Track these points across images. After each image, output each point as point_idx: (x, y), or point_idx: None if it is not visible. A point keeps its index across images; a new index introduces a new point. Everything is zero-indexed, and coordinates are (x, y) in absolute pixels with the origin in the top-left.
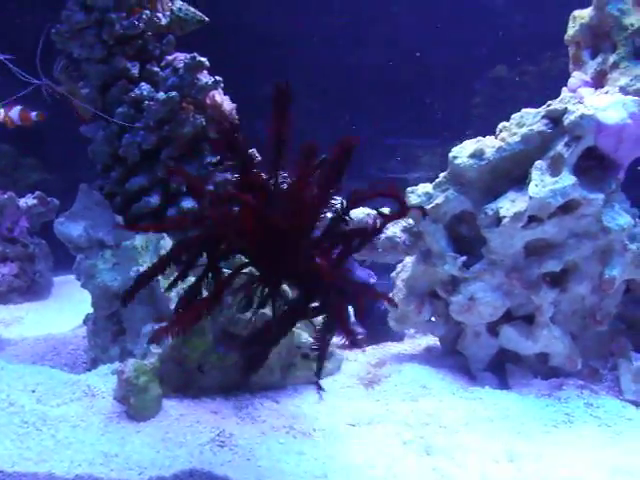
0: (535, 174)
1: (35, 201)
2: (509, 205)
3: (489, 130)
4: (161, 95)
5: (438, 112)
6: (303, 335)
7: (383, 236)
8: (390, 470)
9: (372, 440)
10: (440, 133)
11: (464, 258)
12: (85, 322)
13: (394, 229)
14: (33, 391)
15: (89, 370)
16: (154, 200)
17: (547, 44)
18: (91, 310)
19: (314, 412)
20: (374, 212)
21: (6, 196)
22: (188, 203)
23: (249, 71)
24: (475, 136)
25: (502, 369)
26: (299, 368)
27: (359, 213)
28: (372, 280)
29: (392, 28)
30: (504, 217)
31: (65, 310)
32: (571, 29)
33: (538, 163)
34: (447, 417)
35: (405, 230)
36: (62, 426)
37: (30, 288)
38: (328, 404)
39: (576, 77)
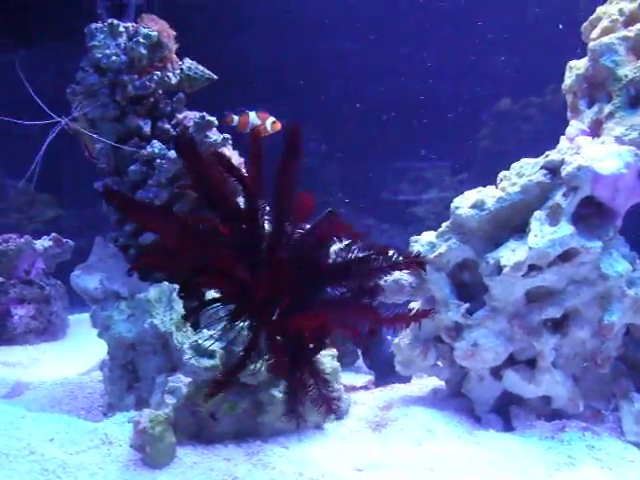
0: (534, 224)
1: (51, 242)
2: (510, 254)
3: (493, 162)
4: (172, 154)
5: (447, 138)
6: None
7: (390, 279)
8: None
9: None
10: (448, 157)
11: (467, 305)
12: (101, 368)
13: (400, 272)
14: (52, 439)
15: (105, 414)
16: None
17: (550, 77)
18: (106, 354)
19: (323, 457)
20: None
21: (23, 240)
22: None
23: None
24: (479, 170)
25: (507, 410)
26: (308, 413)
27: None
28: None
29: (402, 60)
30: (505, 266)
31: (81, 350)
32: (568, 79)
33: (537, 213)
34: (451, 462)
35: (411, 273)
36: (81, 474)
37: (46, 329)
38: (336, 448)
39: (574, 126)
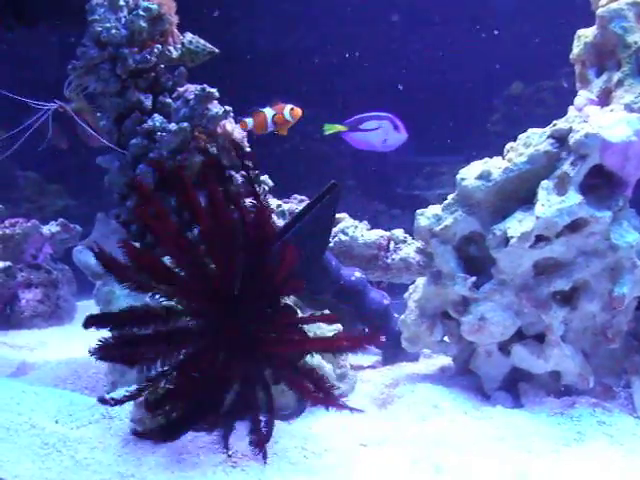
0: (542, 194)
1: (58, 228)
2: (517, 225)
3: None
4: (173, 126)
5: (460, 129)
6: (326, 367)
7: (397, 257)
8: None
9: (382, 460)
10: (463, 150)
11: (474, 279)
12: None
13: (408, 250)
14: (54, 414)
15: (108, 393)
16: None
17: (563, 60)
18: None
19: (326, 433)
20: (387, 234)
21: (30, 224)
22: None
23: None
24: (493, 154)
25: (515, 387)
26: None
27: (372, 235)
28: (386, 301)
29: (412, 46)
30: (512, 237)
31: (88, 334)
32: (576, 48)
33: (544, 183)
34: (458, 437)
35: (419, 251)
36: (81, 447)
37: (54, 313)
38: (340, 425)
39: (582, 96)
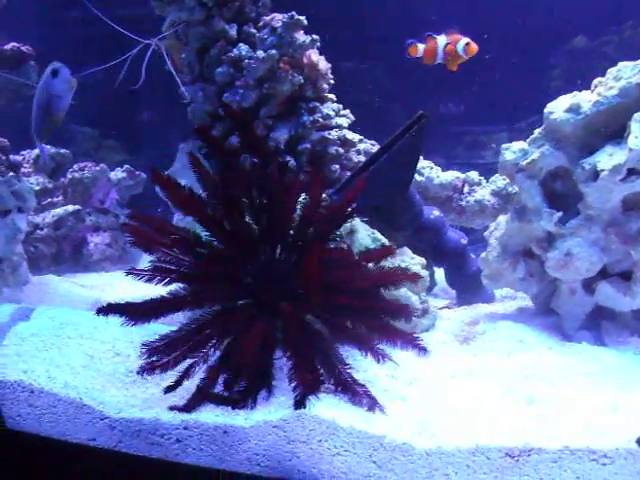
0: (635, 126)
1: (124, 174)
2: (607, 159)
3: None
4: (260, 53)
5: (508, 95)
6: (412, 297)
7: (472, 199)
8: (493, 417)
9: (472, 390)
10: (507, 119)
11: (560, 214)
12: None
13: (483, 192)
14: (138, 343)
15: None
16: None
17: (629, 12)
18: None
19: (413, 364)
20: (462, 175)
21: (98, 168)
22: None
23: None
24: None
25: (597, 328)
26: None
27: (448, 176)
28: (463, 241)
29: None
30: (602, 171)
31: None
32: None
33: (638, 115)
34: (545, 370)
35: (494, 193)
36: (167, 375)
37: (121, 257)
38: (426, 357)
39: None
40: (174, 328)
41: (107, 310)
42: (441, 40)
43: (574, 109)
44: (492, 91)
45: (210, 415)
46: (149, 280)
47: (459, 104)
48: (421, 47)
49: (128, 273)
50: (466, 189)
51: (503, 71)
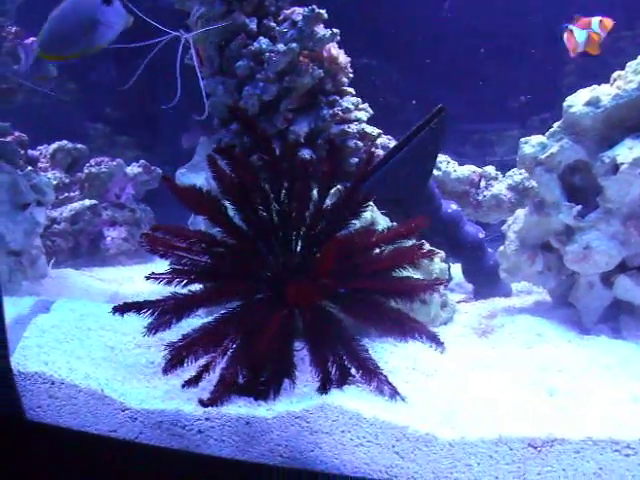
0: None
1: (140, 169)
2: (627, 152)
3: None
4: (281, 47)
5: (518, 93)
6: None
7: (488, 194)
8: (515, 408)
9: (492, 382)
10: (517, 117)
11: (579, 207)
12: None
13: (500, 186)
14: (159, 335)
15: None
16: None
17: None
18: None
19: (432, 356)
20: (479, 170)
21: (114, 163)
22: (307, 153)
23: None
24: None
25: (614, 321)
26: (416, 315)
27: (465, 170)
28: (481, 235)
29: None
30: (622, 164)
31: None
32: None
33: None
34: (565, 363)
35: (511, 188)
36: (189, 366)
37: (137, 251)
38: (440, 350)
39: None
40: (194, 320)
41: (124, 309)
42: (577, 32)
43: (593, 102)
44: (502, 87)
45: (232, 406)
46: (168, 283)
47: (468, 101)
48: (577, 32)
49: (148, 278)
50: (483, 183)
51: (516, 66)
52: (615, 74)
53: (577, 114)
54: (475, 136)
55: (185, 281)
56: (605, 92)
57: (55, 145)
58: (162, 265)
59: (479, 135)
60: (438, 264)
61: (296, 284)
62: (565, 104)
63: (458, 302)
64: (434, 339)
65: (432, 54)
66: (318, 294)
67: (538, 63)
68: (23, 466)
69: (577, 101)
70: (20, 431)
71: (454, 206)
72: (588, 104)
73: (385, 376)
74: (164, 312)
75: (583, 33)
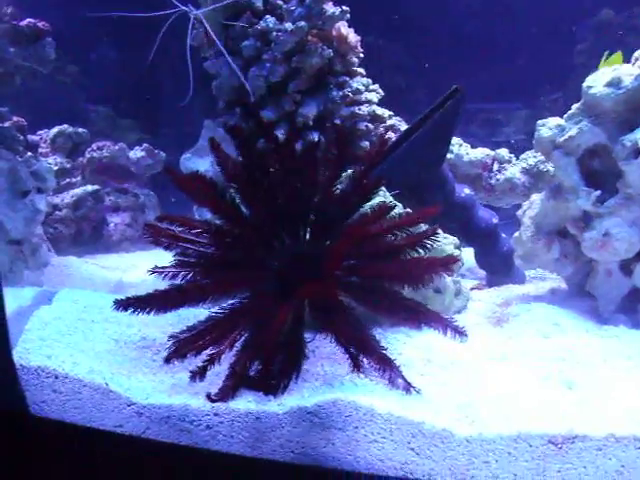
0: None
1: (143, 153)
2: None
3: None
4: (289, 25)
5: (527, 71)
6: (447, 278)
7: (502, 177)
8: (534, 402)
9: (510, 374)
10: (525, 96)
11: (598, 192)
12: None
13: (513, 170)
14: (164, 327)
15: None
16: (280, 134)
17: None
18: None
19: (447, 347)
20: (492, 153)
21: (117, 147)
22: (316, 136)
23: None
24: (575, 89)
25: (633, 311)
26: (430, 303)
27: (478, 153)
28: (495, 220)
29: None
30: None
31: None
32: None
33: None
34: (583, 353)
35: (525, 171)
36: (195, 360)
37: (141, 237)
38: (459, 340)
39: None
40: (200, 311)
41: (127, 304)
42: None
43: (615, 83)
44: (513, 67)
45: (242, 401)
46: (174, 277)
47: (476, 80)
48: None
49: (152, 272)
50: (496, 167)
51: (526, 46)
52: (637, 53)
53: (597, 95)
54: (481, 115)
55: (190, 274)
56: (627, 72)
57: (55, 129)
58: (167, 253)
59: (485, 114)
60: (452, 250)
61: (311, 285)
62: (585, 85)
63: (471, 289)
64: (454, 328)
65: (440, 32)
66: (334, 291)
67: (548, 41)
68: (28, 461)
69: (597, 81)
70: (24, 426)
71: (467, 190)
72: (609, 85)
73: (399, 369)
74: (169, 307)
75: None
